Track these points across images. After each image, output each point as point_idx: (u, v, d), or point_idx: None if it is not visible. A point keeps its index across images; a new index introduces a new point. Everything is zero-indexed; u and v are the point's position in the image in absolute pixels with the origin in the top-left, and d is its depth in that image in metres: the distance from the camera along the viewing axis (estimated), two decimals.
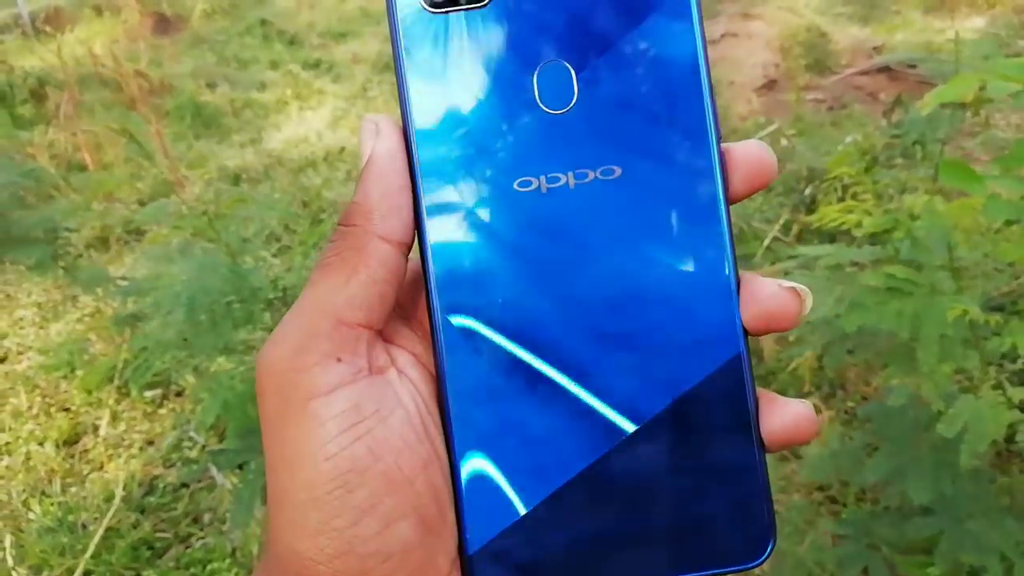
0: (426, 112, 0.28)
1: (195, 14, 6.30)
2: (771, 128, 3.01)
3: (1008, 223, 0.98)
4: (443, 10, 0.27)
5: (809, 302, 0.27)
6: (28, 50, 5.10)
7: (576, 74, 0.27)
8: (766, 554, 0.27)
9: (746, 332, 0.27)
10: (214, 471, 1.76)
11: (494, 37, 0.27)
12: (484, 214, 0.27)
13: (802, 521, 1.41)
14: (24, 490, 1.90)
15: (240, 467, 1.76)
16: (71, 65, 4.48)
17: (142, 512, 1.80)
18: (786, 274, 1.87)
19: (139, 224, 2.92)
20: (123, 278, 2.41)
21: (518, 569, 0.27)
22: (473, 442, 0.27)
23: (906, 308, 0.88)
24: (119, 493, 1.82)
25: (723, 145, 0.28)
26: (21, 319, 2.61)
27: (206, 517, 1.76)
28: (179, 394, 2.15)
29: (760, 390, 0.28)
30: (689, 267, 0.27)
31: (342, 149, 3.77)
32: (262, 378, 0.26)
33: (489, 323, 0.27)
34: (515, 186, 0.27)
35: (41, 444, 2.04)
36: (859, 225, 0.95)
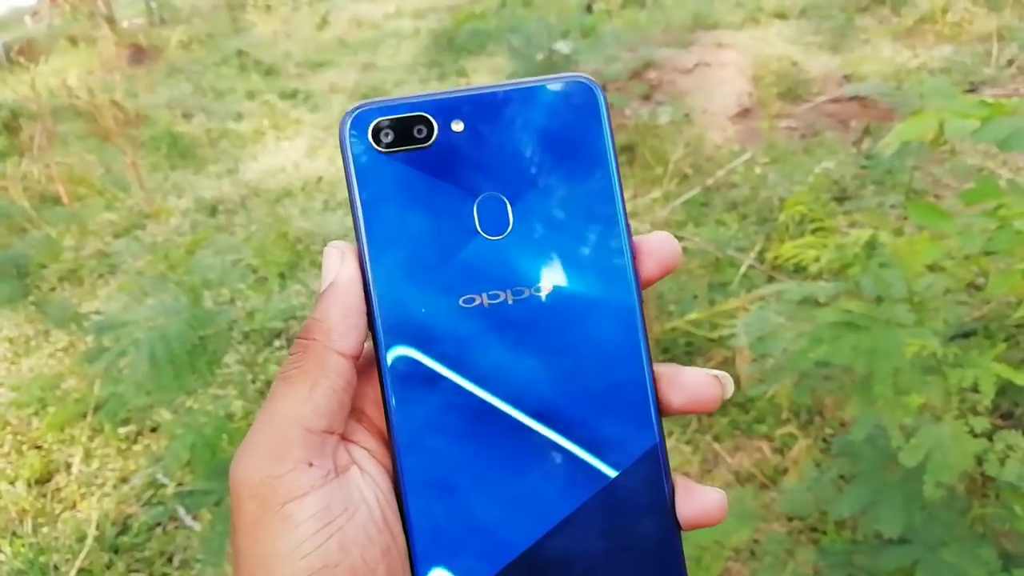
0: (380, 240, 0.31)
1: (171, 44, 6.30)
2: (745, 156, 3.05)
3: (986, 254, 1.00)
4: (391, 150, 0.31)
5: (730, 387, 0.32)
6: (1, 81, 5.07)
7: (511, 205, 0.32)
8: None
9: (662, 425, 0.32)
10: (181, 513, 1.73)
11: (438, 173, 0.31)
12: (434, 328, 0.31)
13: (782, 551, 1.41)
14: None
15: (217, 504, 1.74)
16: (45, 96, 4.45)
17: (115, 552, 1.77)
18: (760, 298, 1.89)
19: (113, 257, 2.89)
20: (97, 312, 2.38)
21: None
22: (428, 535, 0.31)
23: (862, 342, 0.89)
24: (92, 533, 1.78)
25: (636, 238, 0.32)
26: None
27: (178, 558, 1.73)
28: (154, 430, 2.12)
29: (677, 476, 0.32)
30: (612, 368, 0.31)
31: (319, 179, 3.77)
32: (238, 485, 0.28)
33: (440, 428, 0.31)
34: (460, 303, 0.31)
35: (12, 483, 1.99)
36: (816, 260, 0.97)
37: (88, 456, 2.06)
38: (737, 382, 1.92)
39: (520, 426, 0.31)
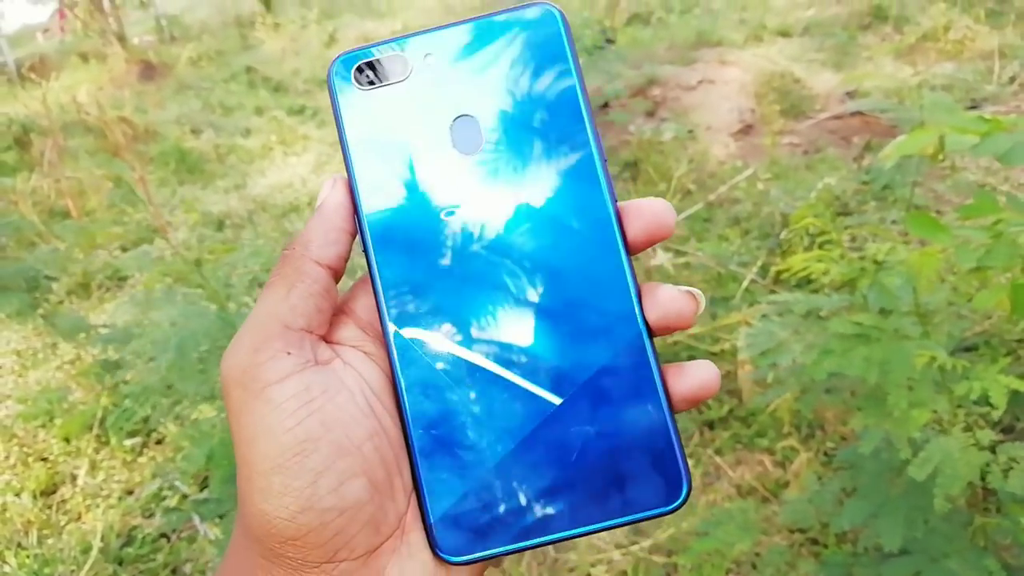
0: (366, 168, 0.34)
1: (181, 61, 6.37)
2: (747, 172, 3.07)
3: (980, 268, 1.01)
4: (372, 88, 0.35)
5: (703, 302, 0.33)
6: (12, 97, 5.13)
7: (484, 128, 0.34)
8: (681, 498, 0.31)
9: (647, 320, 0.32)
10: (197, 521, 1.74)
11: (414, 102, 0.34)
12: (420, 241, 0.33)
13: (783, 564, 1.41)
14: (0, 542, 1.87)
15: (221, 517, 1.74)
16: (55, 112, 4.50)
17: (120, 564, 1.78)
18: (763, 315, 1.90)
19: (121, 271, 2.92)
20: (104, 325, 2.40)
21: (472, 530, 0.32)
22: (425, 427, 0.32)
23: (873, 354, 0.90)
24: (97, 544, 1.79)
25: (635, 201, 0.33)
26: (0, 367, 2.58)
27: (186, 568, 1.74)
28: (159, 442, 2.13)
29: (667, 364, 0.33)
30: (590, 266, 0.33)
31: None
32: (226, 379, 0.31)
33: (430, 328, 0.33)
34: (442, 216, 0.33)
35: (18, 495, 2.01)
36: (826, 273, 0.98)
37: (94, 468, 2.07)
38: (739, 396, 1.93)
39: (507, 322, 0.33)
